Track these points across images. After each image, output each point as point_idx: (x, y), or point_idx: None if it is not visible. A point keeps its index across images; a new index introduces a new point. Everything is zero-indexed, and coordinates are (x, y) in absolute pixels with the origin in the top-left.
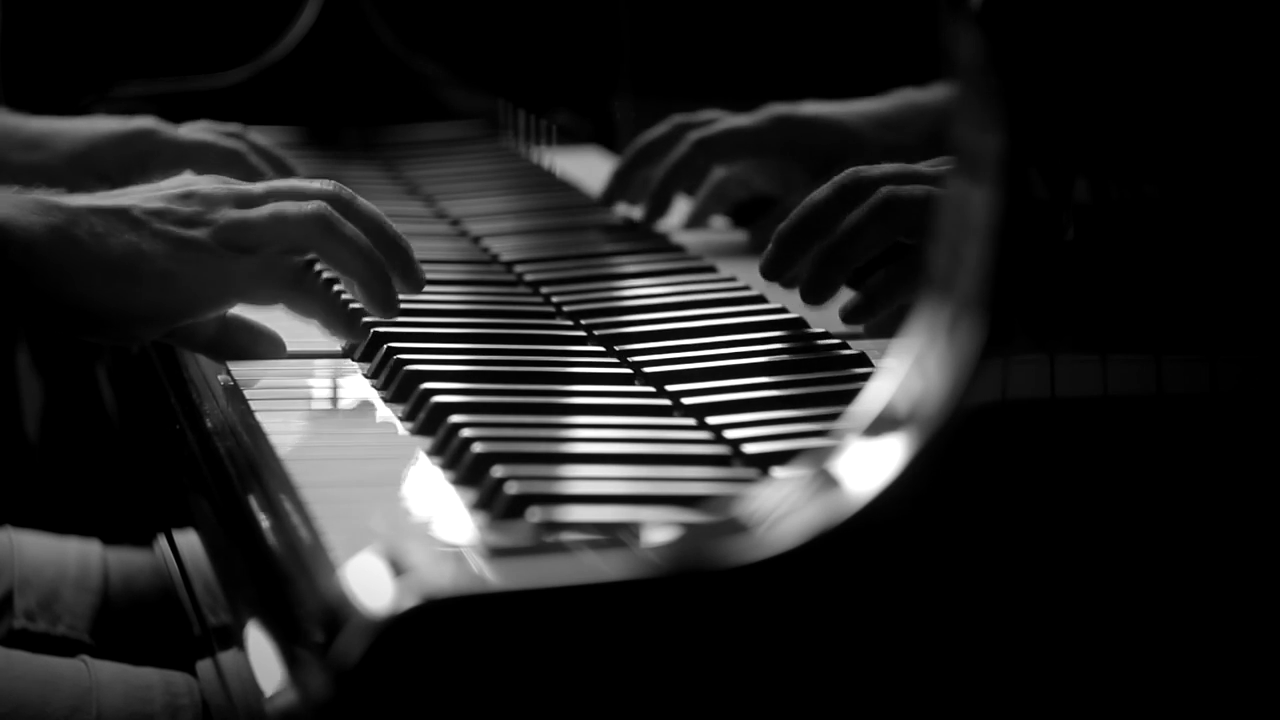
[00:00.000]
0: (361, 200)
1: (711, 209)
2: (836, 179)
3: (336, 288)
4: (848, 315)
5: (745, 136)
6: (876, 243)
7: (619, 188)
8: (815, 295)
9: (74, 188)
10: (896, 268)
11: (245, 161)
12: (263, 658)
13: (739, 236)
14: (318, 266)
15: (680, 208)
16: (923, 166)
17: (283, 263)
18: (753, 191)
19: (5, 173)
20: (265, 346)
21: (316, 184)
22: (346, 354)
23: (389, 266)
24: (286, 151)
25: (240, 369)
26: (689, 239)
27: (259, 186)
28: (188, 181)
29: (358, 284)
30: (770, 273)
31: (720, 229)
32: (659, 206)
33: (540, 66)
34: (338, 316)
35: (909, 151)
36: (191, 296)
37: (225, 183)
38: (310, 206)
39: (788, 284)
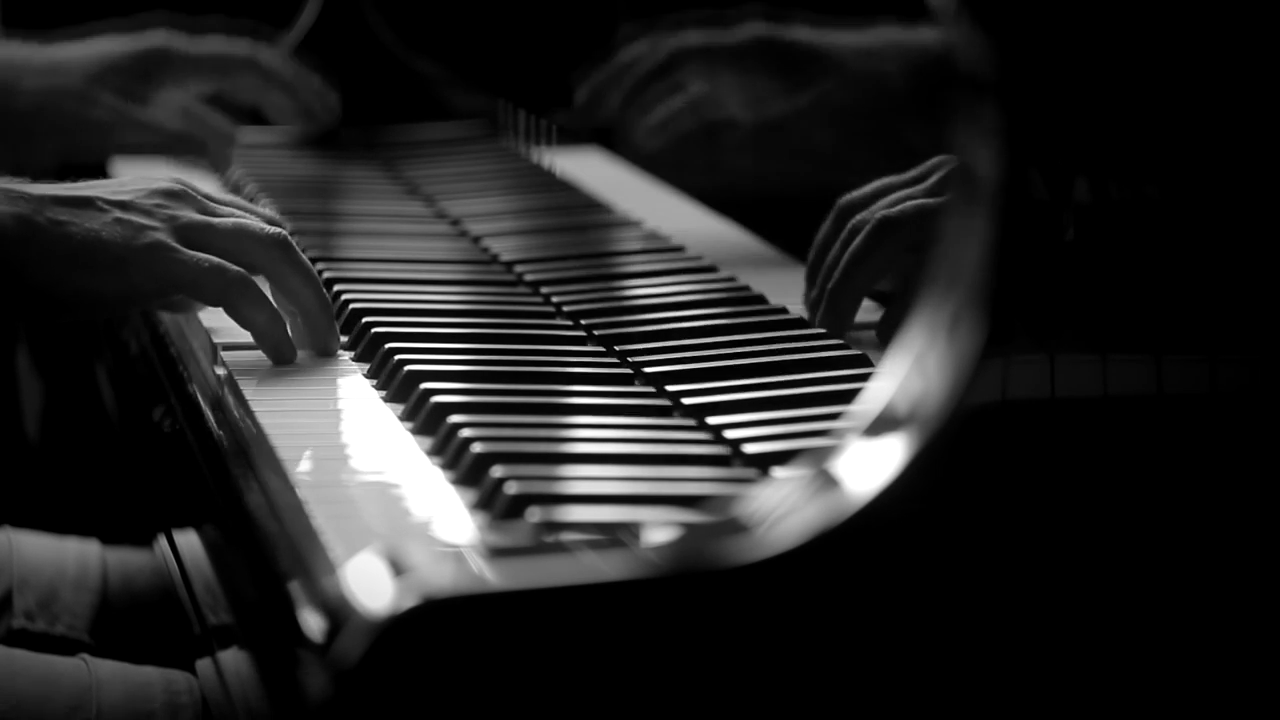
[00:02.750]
0: (299, 252)
1: (682, 124)
2: (833, 213)
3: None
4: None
5: (724, 53)
6: (881, 267)
7: (594, 101)
8: (834, 327)
9: (93, 105)
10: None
11: (259, 67)
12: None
13: (740, 237)
14: None
15: (680, 205)
16: (912, 174)
17: (233, 267)
18: (724, 115)
19: (25, 98)
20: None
21: (271, 229)
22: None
23: (311, 322)
24: (286, 151)
25: (241, 369)
26: (689, 240)
27: (224, 198)
28: (154, 181)
29: (303, 314)
30: (827, 329)
31: (720, 229)
32: (628, 105)
33: (540, 66)
34: (277, 331)
35: (889, 79)
36: (140, 285)
37: (191, 189)
38: (273, 230)
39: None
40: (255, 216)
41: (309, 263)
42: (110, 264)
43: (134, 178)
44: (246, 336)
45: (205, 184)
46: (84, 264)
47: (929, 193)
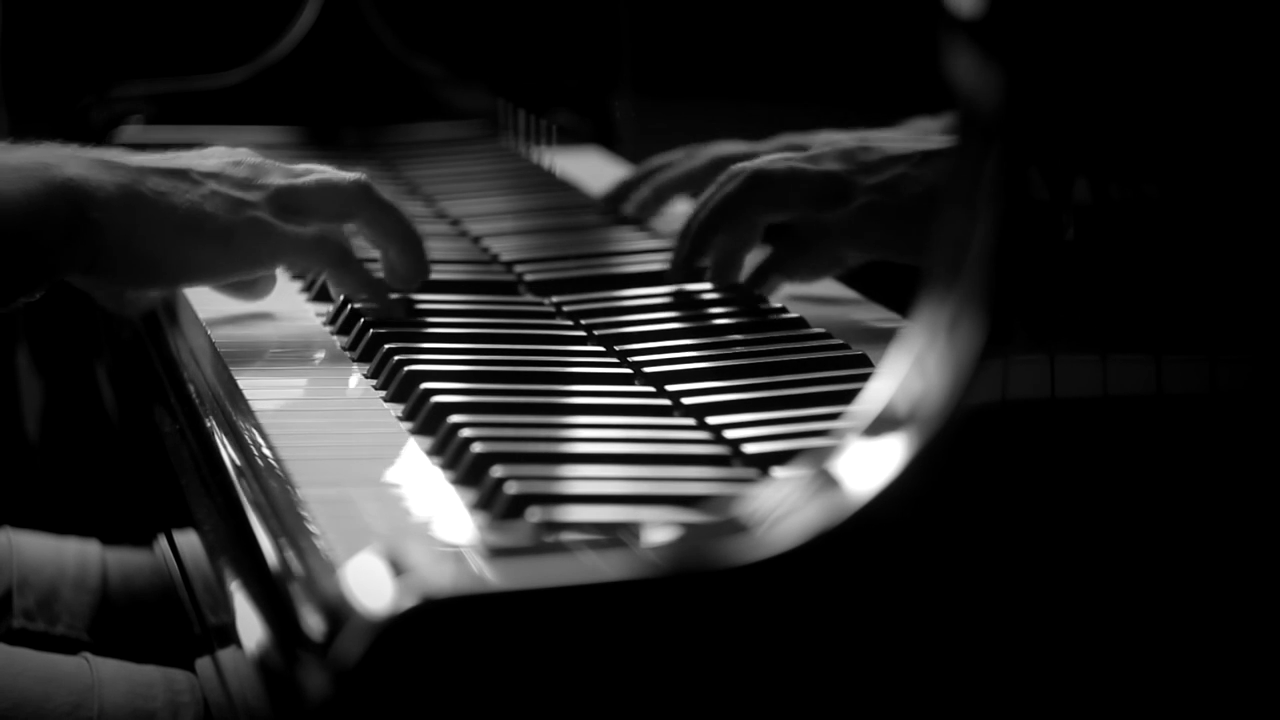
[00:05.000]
0: (381, 192)
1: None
2: (737, 174)
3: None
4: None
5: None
6: (740, 214)
7: (619, 195)
8: (676, 266)
9: None
10: (779, 249)
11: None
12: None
13: None
14: None
15: (680, 205)
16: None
17: (332, 239)
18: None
19: None
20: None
21: (350, 175)
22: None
23: (404, 254)
24: (287, 151)
25: (241, 368)
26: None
27: (300, 166)
28: (234, 152)
29: (395, 249)
30: (677, 274)
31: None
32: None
33: (540, 66)
34: (378, 296)
35: (919, 182)
36: (246, 256)
37: (263, 156)
38: (352, 176)
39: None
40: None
41: (392, 200)
42: (216, 235)
43: (215, 150)
44: (246, 336)
45: None
46: (190, 234)
47: (808, 160)
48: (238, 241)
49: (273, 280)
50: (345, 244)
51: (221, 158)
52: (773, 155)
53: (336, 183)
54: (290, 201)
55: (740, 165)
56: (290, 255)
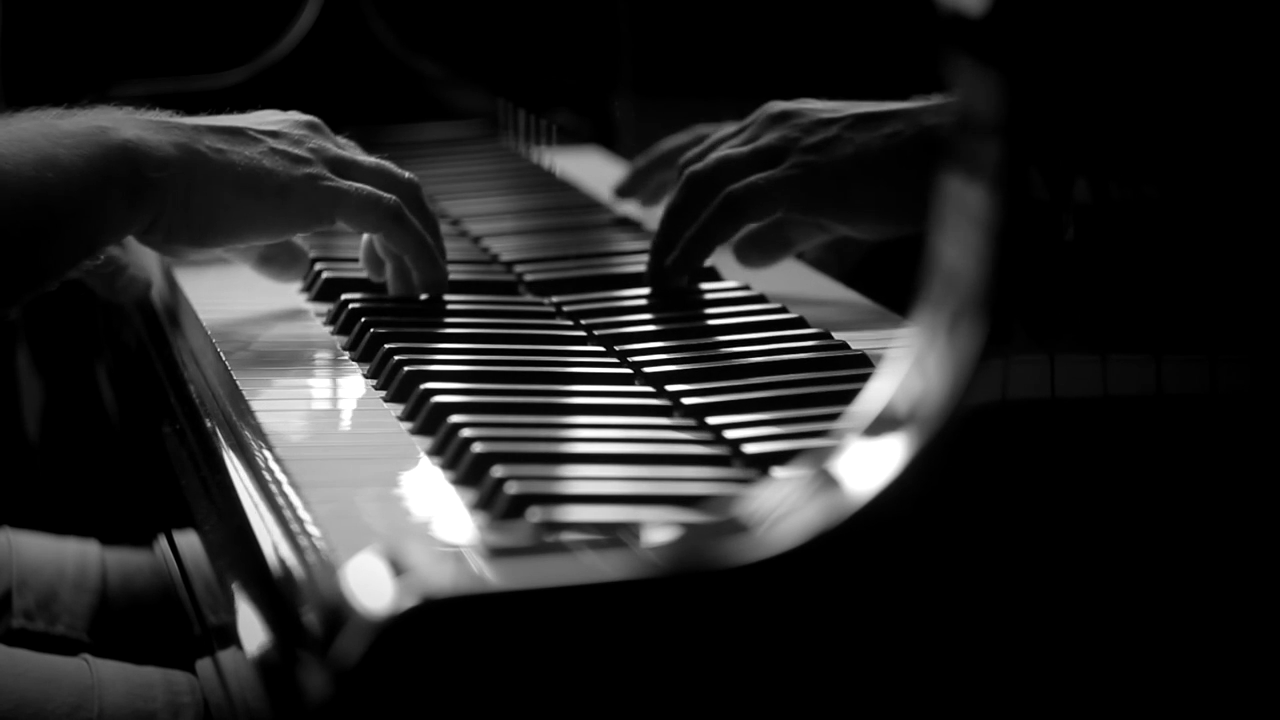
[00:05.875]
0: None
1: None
2: (679, 184)
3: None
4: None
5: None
6: (725, 238)
7: (633, 185)
8: (656, 271)
9: None
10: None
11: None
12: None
13: None
14: None
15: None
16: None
17: (387, 195)
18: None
19: None
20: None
21: (407, 174)
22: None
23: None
24: None
25: (241, 368)
26: None
27: (353, 145)
28: (291, 115)
29: (421, 256)
30: (656, 285)
31: None
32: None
33: (540, 66)
34: (428, 253)
35: (850, 144)
36: (304, 211)
37: (323, 125)
38: (409, 174)
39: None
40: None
41: (433, 211)
42: (276, 190)
43: (269, 112)
44: (246, 336)
45: None
46: (249, 190)
47: (743, 143)
48: (296, 196)
49: (306, 261)
50: (400, 204)
51: (282, 117)
52: (706, 148)
53: (393, 173)
54: (344, 172)
55: (684, 164)
56: (348, 210)
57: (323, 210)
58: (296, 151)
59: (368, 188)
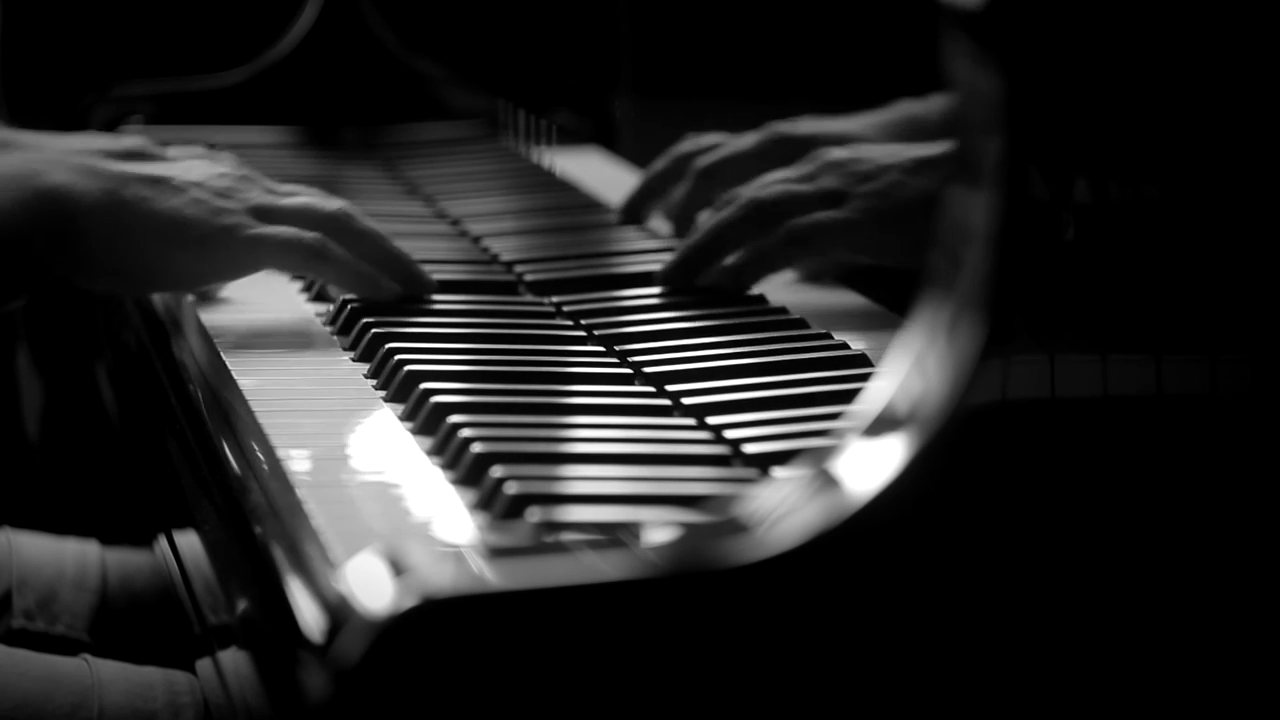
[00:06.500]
0: (363, 219)
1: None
2: (738, 201)
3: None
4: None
5: (748, 159)
6: (782, 268)
7: (629, 218)
8: (671, 277)
9: None
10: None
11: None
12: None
13: None
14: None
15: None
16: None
17: (308, 234)
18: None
19: None
20: None
21: (332, 204)
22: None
23: (394, 277)
24: (286, 151)
25: (241, 369)
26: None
27: (282, 186)
28: (216, 164)
29: (386, 272)
30: (670, 283)
31: None
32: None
33: (540, 66)
34: (362, 282)
35: (910, 188)
36: (226, 261)
37: (247, 169)
38: (335, 204)
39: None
40: (308, 191)
41: (371, 225)
42: (197, 240)
43: (197, 161)
44: (246, 336)
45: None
46: (172, 240)
47: (802, 180)
48: (217, 246)
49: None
50: (323, 240)
51: (205, 167)
52: (769, 180)
53: (318, 210)
54: (267, 218)
55: (736, 192)
56: (269, 256)
57: (245, 259)
58: (218, 203)
59: (288, 230)
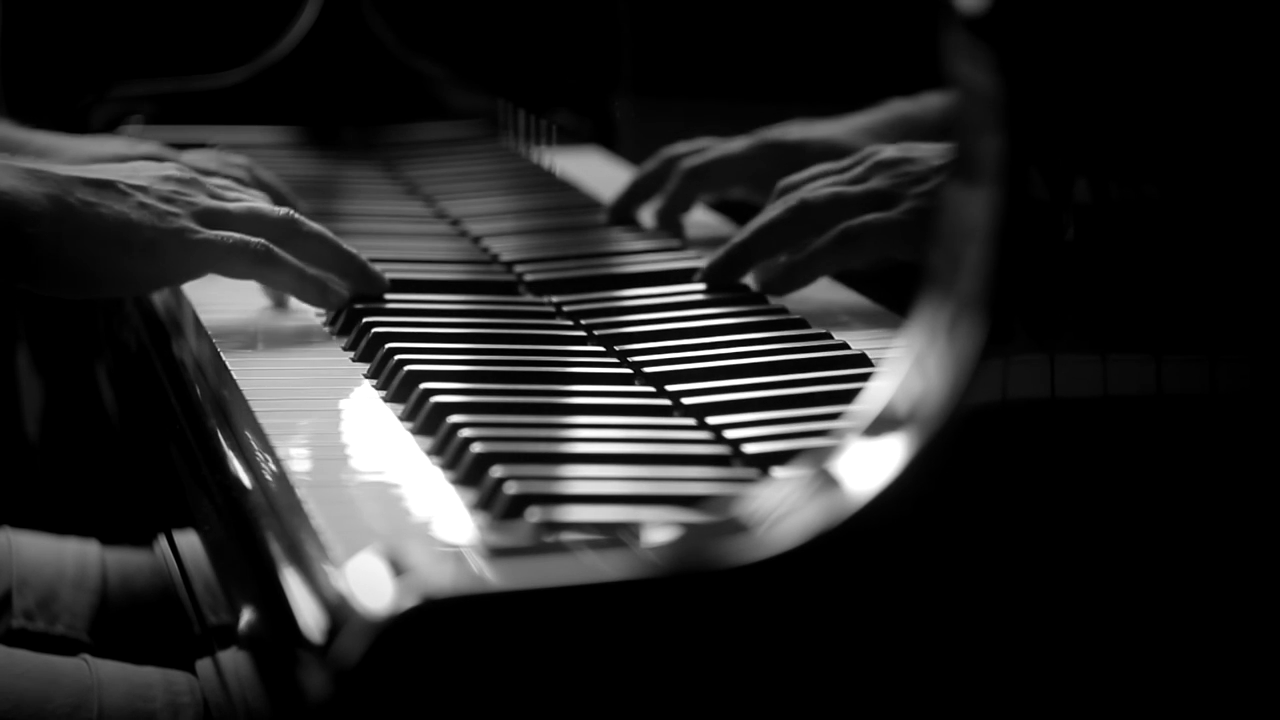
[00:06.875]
0: (311, 222)
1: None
2: (787, 202)
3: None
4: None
5: (736, 163)
6: (832, 270)
7: (618, 218)
8: (716, 274)
9: None
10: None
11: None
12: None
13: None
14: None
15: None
16: (845, 163)
17: (254, 240)
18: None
19: None
20: None
21: (280, 210)
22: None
23: (346, 276)
24: (286, 151)
25: (241, 369)
26: (689, 238)
27: (230, 190)
28: (163, 167)
29: (337, 274)
30: (712, 281)
31: (719, 227)
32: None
33: (540, 66)
34: (308, 285)
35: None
36: (173, 266)
37: (194, 173)
38: (282, 210)
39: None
40: (256, 195)
41: (320, 228)
42: (143, 245)
43: (144, 164)
44: (246, 336)
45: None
46: (117, 245)
47: (852, 181)
48: (163, 251)
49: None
50: (269, 245)
51: (151, 172)
52: (817, 180)
53: (266, 215)
54: (215, 222)
55: (786, 189)
56: (215, 261)
57: (191, 263)
58: (164, 207)
59: (234, 236)
